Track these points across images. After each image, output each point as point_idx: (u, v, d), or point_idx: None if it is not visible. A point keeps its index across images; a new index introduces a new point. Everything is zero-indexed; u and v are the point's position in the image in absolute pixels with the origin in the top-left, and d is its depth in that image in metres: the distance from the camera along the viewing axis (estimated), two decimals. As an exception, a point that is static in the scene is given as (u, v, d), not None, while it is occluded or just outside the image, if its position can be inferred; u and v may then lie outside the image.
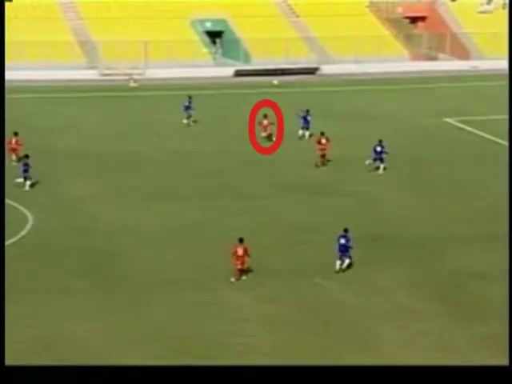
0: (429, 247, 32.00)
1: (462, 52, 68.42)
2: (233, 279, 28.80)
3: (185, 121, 48.91)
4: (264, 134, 45.72)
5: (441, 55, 68.66)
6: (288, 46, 65.51)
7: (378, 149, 40.94)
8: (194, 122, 49.30)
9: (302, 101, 53.75)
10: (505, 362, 22.48)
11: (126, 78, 61.73)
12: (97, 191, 38.04)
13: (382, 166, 40.77)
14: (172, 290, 27.98)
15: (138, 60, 64.21)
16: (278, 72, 64.24)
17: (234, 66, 66.13)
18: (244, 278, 29.03)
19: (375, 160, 40.76)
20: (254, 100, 56.78)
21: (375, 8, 71.58)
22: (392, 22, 70.12)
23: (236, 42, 67.88)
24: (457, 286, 28.82)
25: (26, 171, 37.79)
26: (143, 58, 64.40)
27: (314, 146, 42.35)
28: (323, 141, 41.67)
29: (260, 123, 46.13)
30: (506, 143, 45.28)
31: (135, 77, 61.97)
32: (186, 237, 32.86)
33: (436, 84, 61.70)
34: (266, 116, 46.36)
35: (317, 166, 41.35)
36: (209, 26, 69.05)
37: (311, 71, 65.26)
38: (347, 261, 29.49)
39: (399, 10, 71.35)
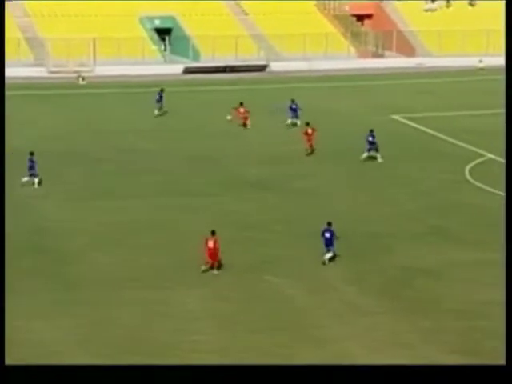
0: (377, 243, 32.25)
1: (407, 49, 69.28)
2: (203, 267, 29.06)
3: (156, 112, 50.52)
4: (240, 122, 46.75)
5: (387, 53, 69.45)
6: (237, 44, 65.72)
7: (370, 139, 42.08)
8: (164, 113, 50.58)
9: (252, 98, 54.01)
10: (454, 356, 23.05)
11: (75, 75, 61.41)
12: (45, 190, 37.86)
13: (378, 155, 41.76)
14: (121, 289, 27.98)
15: (87, 57, 63.92)
16: (228, 69, 64.42)
17: (183, 63, 66.14)
18: (215, 271, 29.18)
19: (369, 150, 41.90)
20: (204, 97, 56.98)
21: (322, 6, 72.13)
22: (339, 19, 70.71)
23: (185, 39, 67.89)
24: (404, 282, 29.13)
25: (31, 168, 37.59)
26: (91, 55, 64.13)
27: (301, 137, 43.65)
28: (309, 131, 43.45)
29: (236, 109, 47.12)
30: (451, 139, 46.06)
31: (83, 74, 61.67)
32: (135, 236, 32.85)
33: (383, 81, 62.40)
34: (242, 104, 47.66)
35: (308, 153, 43.12)
36: (158, 23, 68.94)
37: (260, 68, 65.53)
38: (330, 254, 30.12)
39: (346, 7, 71.99)
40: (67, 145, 45.13)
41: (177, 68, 65.07)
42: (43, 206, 35.95)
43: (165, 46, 68.55)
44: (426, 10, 72.08)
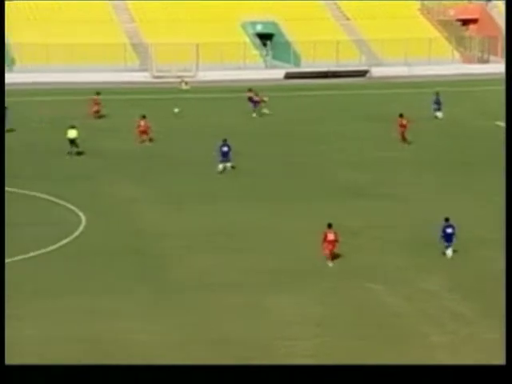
0: (479, 250, 31.70)
1: (514, 54, 67.77)
2: (330, 264, 30.04)
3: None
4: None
5: (492, 58, 68.15)
6: (338, 49, 65.53)
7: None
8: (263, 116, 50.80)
9: (352, 103, 53.79)
10: None
11: (178, 80, 62.30)
12: (145, 193, 38.43)
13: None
14: (217, 292, 28.17)
15: (190, 62, 64.77)
16: (329, 74, 64.33)
17: (284, 68, 66.34)
18: (330, 264, 30.01)
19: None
20: (305, 102, 57.01)
21: (426, 10, 71.28)
22: (443, 24, 69.77)
23: (286, 44, 68.08)
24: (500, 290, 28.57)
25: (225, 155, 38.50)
26: (194, 60, 64.95)
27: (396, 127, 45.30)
28: (404, 122, 45.36)
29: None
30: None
31: (186, 79, 62.52)
32: (234, 239, 33.06)
33: (487, 87, 61.23)
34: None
35: (405, 141, 45.57)
36: (259, 28, 69.35)
37: (361, 74, 65.20)
38: (451, 249, 30.82)
39: (451, 12, 70.95)
40: (164, 148, 45.74)
41: (278, 73, 65.30)
42: (141, 209, 36.48)
43: (266, 51, 68.90)
44: (534, 14, 70.39)
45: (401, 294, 28.39)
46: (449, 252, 30.91)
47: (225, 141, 41.34)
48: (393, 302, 27.81)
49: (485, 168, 42.32)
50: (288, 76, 64.99)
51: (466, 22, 71.25)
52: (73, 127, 43.03)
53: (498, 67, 66.39)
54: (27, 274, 29.55)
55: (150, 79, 64.03)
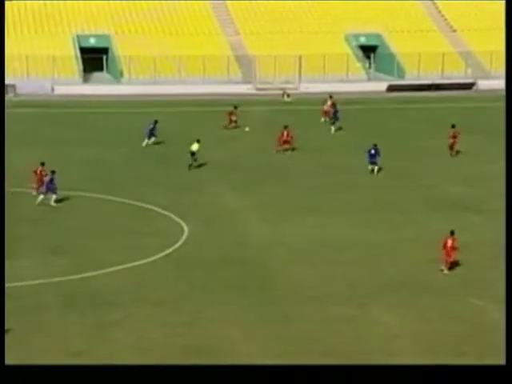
0: None
1: None
2: (443, 268, 30.37)
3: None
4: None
5: None
6: (443, 61, 64.61)
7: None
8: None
9: (458, 116, 52.88)
10: None
11: (280, 92, 62.41)
12: (249, 203, 38.52)
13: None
14: (321, 304, 27.99)
15: (292, 74, 64.85)
16: (433, 87, 63.47)
17: (387, 80, 65.77)
18: (445, 271, 30.32)
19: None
20: (410, 115, 56.31)
21: (535, 21, 69.56)
22: (553, 35, 67.95)
23: (390, 56, 67.49)
24: None
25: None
26: (297, 72, 64.99)
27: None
28: (455, 133, 45.51)
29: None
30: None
31: (289, 91, 62.56)
32: (337, 251, 32.83)
33: None
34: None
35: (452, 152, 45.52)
36: (363, 40, 68.99)
37: (467, 86, 64.09)
38: None
39: (562, 23, 69.05)
40: (266, 159, 45.75)
41: (381, 85, 64.78)
42: (248, 218, 36.55)
43: (369, 63, 68.44)
44: None
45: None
46: None
47: (375, 145, 42.82)
48: (500, 319, 27.09)
49: None
50: (390, 88, 64.37)
51: None
52: (197, 141, 43.57)
53: None
54: (130, 282, 29.89)
55: (253, 91, 64.33)
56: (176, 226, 35.26)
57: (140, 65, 64.61)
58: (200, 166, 43.85)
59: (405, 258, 31.97)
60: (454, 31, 69.55)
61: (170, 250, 32.72)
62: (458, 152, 45.94)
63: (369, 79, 66.54)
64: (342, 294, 28.89)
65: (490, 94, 62.11)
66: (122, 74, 65.22)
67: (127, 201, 38.15)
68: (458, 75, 65.02)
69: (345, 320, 26.98)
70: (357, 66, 66.94)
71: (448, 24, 70.37)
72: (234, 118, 51.84)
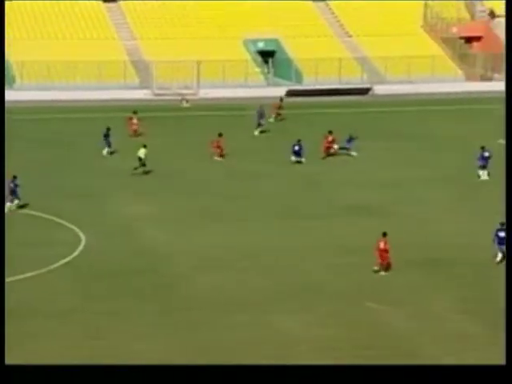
0: (487, 270, 31.27)
1: (518, 72, 67.27)
2: (382, 273, 30.51)
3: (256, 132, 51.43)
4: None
5: (496, 75, 67.66)
6: (340, 66, 65.13)
7: (486, 154, 43.04)
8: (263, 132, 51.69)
9: (354, 121, 53.33)
10: None
11: (179, 98, 61.81)
12: (151, 211, 37.95)
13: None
14: (224, 311, 27.77)
15: (191, 80, 64.33)
16: (331, 92, 63.90)
17: (286, 85, 65.92)
18: (382, 273, 30.45)
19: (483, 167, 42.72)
20: (310, 119, 56.52)
21: (429, 28, 70.89)
22: (446, 41, 69.34)
23: (288, 61, 67.69)
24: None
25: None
26: (195, 77, 64.50)
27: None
28: (330, 138, 46.04)
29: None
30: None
31: (187, 97, 62.03)
32: (240, 258, 32.59)
33: (491, 105, 60.70)
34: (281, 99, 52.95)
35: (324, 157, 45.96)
36: (261, 45, 68.98)
37: (363, 91, 64.76)
38: (501, 254, 31.28)
39: (454, 29, 70.51)
40: (172, 166, 45.13)
41: (280, 91, 64.86)
42: (147, 227, 35.98)
43: (268, 68, 68.50)
44: (538, 32, 69.94)
45: (408, 314, 27.86)
46: (500, 255, 31.27)
47: (298, 141, 44.58)
48: (398, 322, 27.22)
49: (489, 186, 41.79)
50: (290, 93, 64.55)
51: (469, 40, 70.78)
52: (144, 146, 43.16)
53: (502, 85, 65.94)
54: (24, 294, 28.93)
55: (150, 97, 63.54)
56: (74, 235, 34.46)
57: (33, 70, 63.09)
58: (105, 173, 43.06)
59: (306, 263, 31.98)
60: (350, 36, 70.25)
61: (67, 259, 31.96)
62: (331, 155, 45.77)
63: (268, 84, 66.58)
64: (245, 301, 28.67)
65: (386, 98, 62.92)
66: (14, 80, 63.59)
67: (26, 211, 37.16)
68: (354, 80, 65.66)
69: (247, 327, 26.77)
70: (256, 71, 66.91)
71: (344, 30, 71.04)
72: (135, 127, 50.95)
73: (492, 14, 71.74)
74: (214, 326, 26.79)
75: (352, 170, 45.10)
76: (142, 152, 43.05)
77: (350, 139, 47.05)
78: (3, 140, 40.62)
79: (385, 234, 30.81)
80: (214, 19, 69.49)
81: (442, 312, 28.13)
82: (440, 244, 33.65)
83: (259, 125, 51.85)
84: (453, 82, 65.75)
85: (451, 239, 34.43)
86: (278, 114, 54.75)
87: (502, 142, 49.85)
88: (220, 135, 46.49)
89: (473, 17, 72.95)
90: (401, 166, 45.13)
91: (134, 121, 51.21)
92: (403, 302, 28.86)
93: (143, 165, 42.79)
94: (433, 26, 70.91)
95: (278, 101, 55.48)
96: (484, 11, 72.43)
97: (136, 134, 50.85)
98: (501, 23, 71.35)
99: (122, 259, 32.28)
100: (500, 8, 71.50)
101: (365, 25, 69.64)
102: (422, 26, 71.01)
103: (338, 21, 71.65)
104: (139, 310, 27.80)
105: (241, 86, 64.12)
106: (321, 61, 64.50)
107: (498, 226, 31.73)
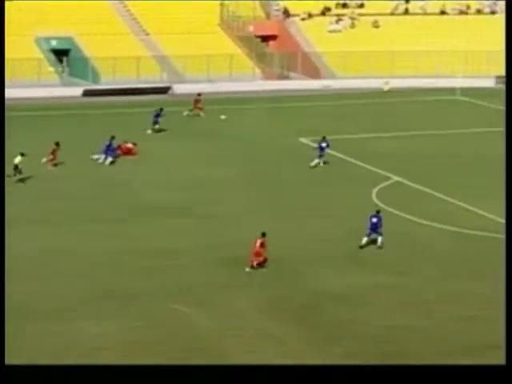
0: (289, 268, 31.55)
1: (312, 71, 68.63)
2: (247, 269, 30.61)
3: (149, 131, 51.04)
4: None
5: (292, 74, 68.66)
6: (139, 65, 64.05)
7: (324, 144, 44.22)
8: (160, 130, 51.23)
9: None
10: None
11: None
12: None
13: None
14: (28, 321, 26.65)
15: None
16: (129, 91, 62.66)
17: (82, 85, 64.10)
18: (247, 269, 30.62)
19: (320, 156, 43.99)
20: (105, 120, 55.08)
21: (226, 26, 71.01)
22: (243, 40, 69.67)
23: (84, 60, 65.86)
24: (316, 307, 28.30)
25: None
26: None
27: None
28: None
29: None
30: (359, 162, 45.28)
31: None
32: (37, 264, 31.37)
33: (289, 103, 61.54)
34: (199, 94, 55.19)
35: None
36: (54, 44, 66.75)
37: (163, 90, 63.97)
38: (380, 239, 32.69)
39: (250, 28, 70.97)
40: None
41: (76, 90, 63.01)
42: None
43: (62, 67, 66.29)
44: (331, 31, 71.61)
45: (210, 314, 27.62)
46: (365, 239, 32.73)
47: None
48: (202, 323, 26.91)
49: (290, 184, 42.11)
50: (86, 93, 62.74)
51: (265, 39, 71.46)
52: (21, 154, 40.91)
53: (298, 83, 66.98)
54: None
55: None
56: None
57: None
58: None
59: (111, 267, 31.19)
60: (148, 35, 69.25)
61: None
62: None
63: (63, 84, 64.46)
64: (46, 309, 27.62)
65: (186, 97, 62.41)
66: None
67: None
68: (153, 79, 64.71)
69: (52, 335, 25.83)
70: (49, 70, 64.60)
71: (141, 28, 69.93)
72: None
73: (286, 13, 72.77)
74: (14, 335, 25.09)
75: (153, 170, 44.22)
76: (17, 159, 40.95)
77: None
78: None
79: (264, 234, 31.12)
80: (7, 17, 66.47)
81: (245, 310, 27.96)
82: (241, 243, 33.41)
83: (155, 123, 51.25)
84: (251, 80, 66.11)
85: (252, 238, 34.26)
86: (198, 109, 55.51)
87: (304, 140, 50.42)
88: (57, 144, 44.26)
89: (268, 16, 73.74)
90: (200, 166, 44.80)
91: None
92: (207, 302, 28.54)
93: (19, 172, 40.74)
94: (230, 25, 71.09)
95: (195, 96, 56.09)
96: (279, 10, 73.36)
97: None
98: (294, 22, 72.56)
99: None
100: (294, 7, 72.83)
101: (162, 23, 68.91)
102: (219, 25, 71.01)
103: (135, 19, 70.53)
104: None
105: (34, 86, 61.69)
106: (118, 59, 63.17)
107: (373, 213, 33.17)
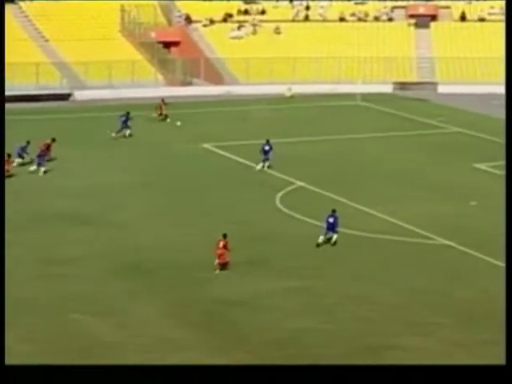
0: (190, 275, 31.20)
1: (215, 77, 68.68)
2: (217, 271, 30.98)
3: (113, 134, 51.09)
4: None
5: (195, 80, 68.56)
6: (38, 71, 62.98)
7: (267, 148, 44.85)
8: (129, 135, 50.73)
9: (55, 128, 51.62)
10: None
11: None
12: None
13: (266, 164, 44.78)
14: None
15: None
16: (28, 98, 61.52)
17: (-21, 91, 62.55)
18: (217, 271, 30.91)
19: (264, 161, 44.74)
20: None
21: (127, 32, 70.45)
22: (145, 46, 69.23)
23: (-20, 66, 64.33)
24: (218, 314, 28.17)
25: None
26: None
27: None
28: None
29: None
30: (258, 167, 45.44)
31: None
32: None
33: (192, 109, 61.37)
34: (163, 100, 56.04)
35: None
36: None
37: (63, 97, 63.04)
38: (335, 236, 33.78)
39: (152, 34, 70.58)
40: None
41: (-27, 98, 61.46)
42: None
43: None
44: (233, 38, 71.80)
45: (114, 323, 27.35)
46: (321, 238, 33.61)
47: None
48: (103, 330, 26.49)
49: (193, 190, 41.98)
50: (-15, 100, 61.29)
51: (167, 45, 71.14)
52: None
53: (201, 90, 66.89)
54: None
55: None
56: None
57: None
58: None
59: (8, 276, 29.88)
60: (47, 41, 68.14)
61: None
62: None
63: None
64: None
65: (87, 104, 61.66)
66: None
67: None
68: (53, 86, 63.67)
69: None
70: None
71: (40, 33, 68.76)
72: None
73: (188, 20, 72.65)
74: None
75: (61, 177, 43.47)
76: None
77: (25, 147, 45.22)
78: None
79: (225, 236, 31.34)
80: None
81: (147, 318, 27.62)
82: (142, 250, 33.12)
83: (121, 129, 51.17)
84: (154, 86, 65.73)
85: (152, 244, 34.08)
86: (161, 114, 55.98)
87: (207, 146, 50.38)
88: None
89: (170, 22, 73.47)
90: (102, 173, 44.24)
91: None
92: (110, 311, 28.16)
93: None
94: (131, 31, 70.55)
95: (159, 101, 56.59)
96: (181, 16, 73.17)
97: None
98: (197, 28, 72.50)
99: None
100: (196, 14, 72.77)
101: (61, 29, 68.00)
102: (119, 31, 70.38)
103: (33, 24, 69.34)
104: None
105: None
106: (17, 65, 61.91)
107: (330, 213, 34.11)
